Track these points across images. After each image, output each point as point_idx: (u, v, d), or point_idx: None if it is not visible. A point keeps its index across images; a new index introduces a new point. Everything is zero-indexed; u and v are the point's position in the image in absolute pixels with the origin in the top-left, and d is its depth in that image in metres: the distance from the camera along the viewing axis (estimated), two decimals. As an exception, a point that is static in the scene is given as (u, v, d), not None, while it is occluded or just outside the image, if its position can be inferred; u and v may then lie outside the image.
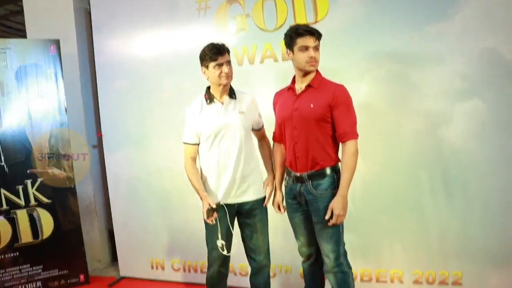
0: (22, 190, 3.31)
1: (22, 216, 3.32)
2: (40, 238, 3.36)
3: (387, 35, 2.72)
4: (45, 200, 3.38)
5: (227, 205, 2.33)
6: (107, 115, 3.54)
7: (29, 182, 3.33)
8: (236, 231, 2.43)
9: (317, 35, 2.14)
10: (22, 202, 3.31)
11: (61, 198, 3.42)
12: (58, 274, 3.44)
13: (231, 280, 2.64)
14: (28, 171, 3.33)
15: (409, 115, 2.74)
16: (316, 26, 2.26)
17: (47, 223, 3.38)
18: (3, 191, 3.26)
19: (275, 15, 2.96)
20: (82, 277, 3.50)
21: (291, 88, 2.29)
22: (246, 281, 2.90)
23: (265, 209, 2.44)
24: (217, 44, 2.29)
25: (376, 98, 2.79)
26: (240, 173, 2.32)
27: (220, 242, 2.30)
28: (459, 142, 2.65)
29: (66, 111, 3.43)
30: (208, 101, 2.35)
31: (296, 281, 3.06)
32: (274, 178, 2.46)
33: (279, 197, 2.44)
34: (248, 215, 2.39)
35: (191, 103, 2.41)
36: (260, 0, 2.98)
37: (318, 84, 2.19)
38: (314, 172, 2.19)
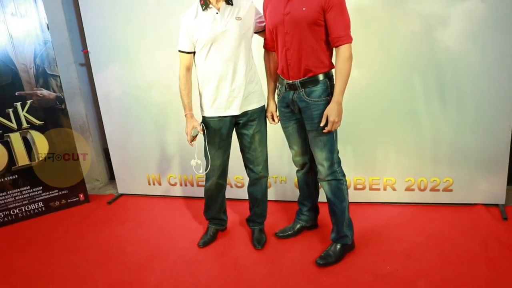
0: (13, 113, 3.26)
1: (16, 139, 3.31)
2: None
3: None
4: (37, 122, 3.35)
5: (225, 117, 2.33)
6: (92, 30, 3.38)
7: (19, 104, 3.28)
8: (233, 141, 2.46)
9: None
10: (14, 125, 3.29)
11: (53, 119, 3.40)
12: (58, 194, 3.51)
13: (227, 192, 2.70)
14: (16, 93, 3.26)
15: (404, 17, 2.66)
16: None
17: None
18: (-7, 115, 3.23)
19: None
20: (81, 196, 3.58)
21: None
22: (242, 193, 3.01)
23: (264, 119, 2.43)
24: None
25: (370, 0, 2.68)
26: (239, 82, 2.28)
27: (194, 162, 2.33)
28: (455, 45, 2.60)
29: (48, 28, 3.27)
30: (204, 7, 2.24)
31: (291, 190, 3.14)
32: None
33: (272, 106, 2.43)
34: (247, 126, 2.37)
35: (186, 10, 2.31)
36: None
37: None
38: (307, 79, 2.15)
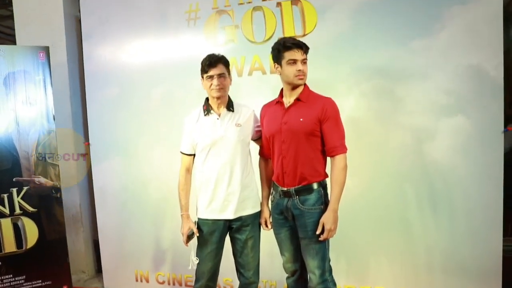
0: (7, 198, 3.26)
1: (6, 224, 3.27)
2: (24, 248, 3.31)
3: (374, 49, 2.75)
4: (30, 209, 3.33)
5: (219, 220, 2.33)
6: (95, 123, 3.53)
7: (14, 190, 3.29)
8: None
9: (304, 48, 2.14)
10: (7, 210, 3.26)
11: (47, 207, 3.38)
12: (41, 285, 3.39)
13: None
14: (14, 179, 3.29)
15: (395, 129, 2.76)
16: (305, 39, 2.29)
17: (31, 232, 3.33)
18: (-13, 199, 3.22)
19: (264, 27, 2.98)
20: (65, 288, 3.46)
21: (279, 101, 2.28)
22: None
23: (258, 225, 2.42)
24: (212, 56, 2.29)
25: (363, 112, 2.81)
26: (235, 186, 2.30)
27: (195, 258, 2.33)
28: (444, 158, 2.67)
29: (54, 119, 3.39)
30: (206, 112, 2.34)
31: (281, 295, 3.01)
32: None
33: (266, 212, 2.42)
34: (240, 230, 2.36)
35: (191, 113, 2.41)
36: (249, 11, 3.00)
37: (307, 97, 2.19)
38: (302, 187, 2.17)
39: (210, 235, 2.34)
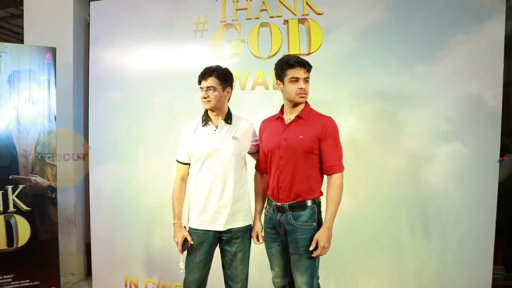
0: (2, 196, 3.24)
1: (-2, 221, 3.25)
2: (14, 246, 3.28)
3: (377, 72, 2.78)
4: (24, 207, 3.32)
5: (209, 231, 2.32)
6: (96, 127, 3.53)
7: (10, 188, 3.27)
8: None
9: (307, 66, 2.16)
10: (0, 207, 3.25)
11: (41, 207, 3.36)
12: (29, 285, 3.35)
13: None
14: (10, 177, 3.28)
15: (393, 152, 2.78)
16: (309, 58, 2.31)
17: (23, 231, 3.31)
18: (-19, 195, 3.21)
19: (270, 43, 3.01)
20: (53, 289, 3.43)
21: (279, 117, 2.28)
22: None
23: (248, 239, 2.41)
24: (206, 68, 2.31)
25: (362, 133, 2.82)
26: (227, 199, 2.30)
27: (181, 264, 2.35)
28: (439, 183, 2.69)
29: (55, 119, 3.40)
30: (204, 123, 2.35)
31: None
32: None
33: (258, 226, 2.40)
34: (230, 243, 2.35)
35: (190, 122, 2.42)
36: (256, 26, 3.03)
37: (307, 115, 2.20)
38: (296, 203, 2.18)
39: (199, 245, 2.33)
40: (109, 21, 3.48)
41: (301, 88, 2.13)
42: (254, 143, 2.42)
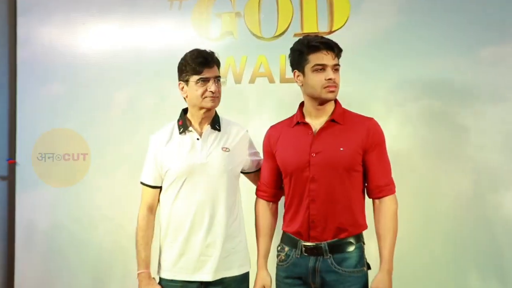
0: None
1: None
2: None
3: (427, 58, 2.40)
4: None
5: (191, 282, 1.95)
6: (26, 133, 3.05)
7: None
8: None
9: (336, 50, 1.86)
10: None
11: None
12: None
13: None
14: None
15: (451, 171, 2.40)
16: (331, 38, 1.95)
17: None
18: None
19: (276, 18, 2.62)
20: None
21: (301, 122, 1.93)
22: None
23: None
24: (204, 52, 1.98)
25: (407, 144, 2.45)
26: (217, 236, 1.96)
27: None
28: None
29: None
30: (182, 129, 2.00)
31: None
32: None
33: (265, 278, 1.99)
34: None
35: (159, 130, 2.09)
36: (258, -5, 2.72)
37: (343, 118, 1.88)
38: (339, 241, 1.85)
39: None
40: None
41: (329, 79, 1.81)
42: (254, 158, 2.11)
